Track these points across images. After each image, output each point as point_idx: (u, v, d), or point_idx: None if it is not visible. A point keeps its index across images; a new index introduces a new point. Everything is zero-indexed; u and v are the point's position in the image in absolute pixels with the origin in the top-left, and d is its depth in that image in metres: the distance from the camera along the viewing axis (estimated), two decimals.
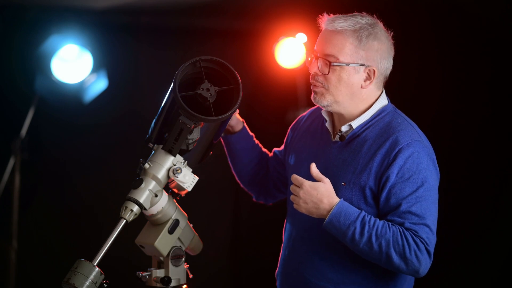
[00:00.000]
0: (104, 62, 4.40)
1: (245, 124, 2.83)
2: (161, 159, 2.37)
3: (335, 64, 2.43)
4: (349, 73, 2.44)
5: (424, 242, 2.34)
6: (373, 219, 2.36)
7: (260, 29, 4.69)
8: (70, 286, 2.19)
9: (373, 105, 2.51)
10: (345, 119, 2.52)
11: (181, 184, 2.38)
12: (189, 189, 2.40)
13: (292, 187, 2.41)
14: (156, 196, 2.36)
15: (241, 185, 2.94)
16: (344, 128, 2.51)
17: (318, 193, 2.37)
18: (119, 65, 4.58)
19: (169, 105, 2.36)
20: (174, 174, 2.36)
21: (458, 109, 4.19)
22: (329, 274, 2.49)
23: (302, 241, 2.58)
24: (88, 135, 4.57)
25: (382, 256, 2.34)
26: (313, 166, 2.41)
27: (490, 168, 4.12)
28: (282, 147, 2.85)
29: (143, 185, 2.34)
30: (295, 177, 2.40)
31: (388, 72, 2.52)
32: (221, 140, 2.82)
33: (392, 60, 2.52)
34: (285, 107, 4.89)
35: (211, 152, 2.57)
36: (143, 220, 2.47)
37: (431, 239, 2.36)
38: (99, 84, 4.47)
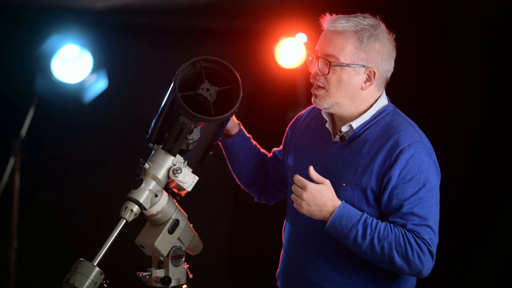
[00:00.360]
0: (104, 62, 4.40)
1: (242, 126, 2.82)
2: (161, 159, 2.37)
3: (335, 64, 2.43)
4: (349, 74, 2.44)
5: (426, 243, 2.34)
6: (375, 221, 2.36)
7: (260, 29, 4.69)
8: (70, 286, 2.19)
9: (373, 106, 2.50)
10: (345, 120, 2.51)
11: (181, 184, 2.37)
12: (189, 189, 2.40)
13: (294, 187, 2.41)
14: (156, 196, 2.36)
15: (242, 187, 2.94)
16: (344, 129, 2.51)
17: (323, 196, 2.36)
18: (119, 65, 4.58)
19: (169, 105, 2.36)
20: (174, 174, 2.35)
21: (458, 109, 4.20)
22: (331, 275, 2.49)
23: (303, 242, 2.57)
24: (88, 135, 4.57)
25: (384, 258, 2.34)
26: (312, 169, 2.40)
27: (490, 168, 4.12)
28: (281, 146, 2.85)
29: (143, 185, 2.34)
30: (298, 178, 2.39)
31: (389, 74, 2.52)
32: (219, 143, 2.82)
33: (393, 62, 2.51)
34: (285, 107, 4.89)
35: (211, 152, 2.57)
36: (143, 220, 2.47)
37: (434, 240, 2.36)
38: (99, 84, 4.47)
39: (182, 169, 2.36)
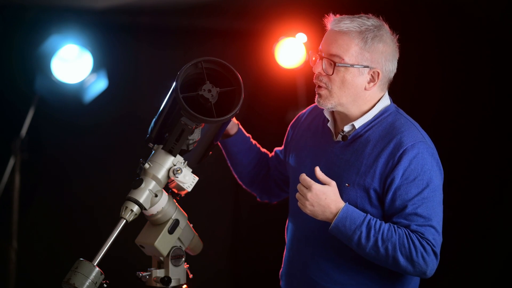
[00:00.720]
0: (104, 62, 4.39)
1: (240, 126, 2.82)
2: (161, 159, 2.37)
3: (339, 64, 2.42)
4: (353, 75, 2.44)
5: (430, 243, 2.34)
6: (378, 222, 2.36)
7: (260, 29, 4.69)
8: (70, 286, 2.19)
9: (376, 105, 2.50)
10: (347, 119, 2.51)
11: (181, 184, 2.37)
12: (189, 189, 2.40)
13: (299, 187, 2.40)
14: (156, 196, 2.36)
15: (243, 186, 2.94)
16: (346, 128, 2.51)
17: (327, 197, 2.36)
18: (119, 65, 4.58)
19: (170, 105, 2.35)
20: (174, 174, 2.35)
21: (458, 109, 4.20)
22: (335, 275, 2.49)
23: (306, 242, 2.57)
24: (88, 135, 4.57)
25: (388, 259, 2.34)
26: (318, 169, 2.40)
27: (490, 168, 4.12)
28: (283, 146, 2.85)
29: (143, 185, 2.34)
30: (304, 178, 2.38)
31: (392, 74, 2.52)
32: (218, 143, 2.82)
33: (396, 63, 2.51)
34: (285, 107, 4.89)
35: (210, 152, 2.57)
36: (143, 220, 2.47)
37: (437, 240, 2.36)
38: (99, 84, 4.47)
39: (182, 170, 2.36)
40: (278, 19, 4.55)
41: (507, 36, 4.02)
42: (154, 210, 2.38)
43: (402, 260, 2.33)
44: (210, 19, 4.72)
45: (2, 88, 4.41)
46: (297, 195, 2.41)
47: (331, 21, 2.48)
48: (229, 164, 2.89)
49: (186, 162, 2.39)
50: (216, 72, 2.35)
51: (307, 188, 2.37)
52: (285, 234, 2.73)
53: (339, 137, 2.52)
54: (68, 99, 4.42)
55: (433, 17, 4.23)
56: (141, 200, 2.33)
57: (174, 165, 2.37)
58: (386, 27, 2.49)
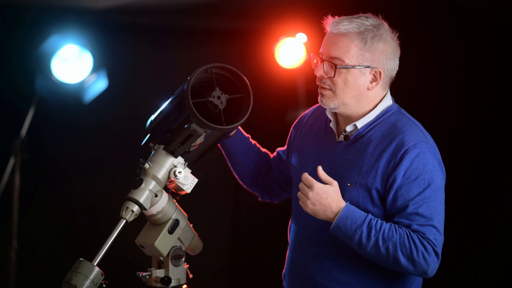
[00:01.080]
0: (104, 62, 4.39)
1: (239, 127, 2.82)
2: (161, 160, 2.37)
3: (340, 67, 2.43)
4: (355, 76, 2.44)
5: (431, 243, 2.34)
6: (379, 222, 2.36)
7: (260, 29, 4.69)
8: (70, 286, 2.19)
9: (378, 105, 2.50)
10: (350, 119, 2.52)
11: (181, 185, 2.38)
12: (188, 191, 2.40)
13: (301, 185, 2.41)
14: (156, 196, 2.36)
15: (244, 187, 2.94)
16: (348, 128, 2.51)
17: (328, 197, 2.36)
18: (119, 65, 4.58)
19: (177, 109, 2.34)
20: (175, 175, 2.36)
21: (458, 109, 4.20)
22: (337, 275, 2.49)
23: (308, 242, 2.57)
24: (88, 135, 4.56)
25: (389, 259, 2.34)
26: (320, 169, 2.40)
27: (490, 168, 4.12)
28: (285, 146, 2.85)
29: (143, 185, 2.34)
30: (306, 177, 2.39)
31: (394, 72, 2.52)
32: (218, 145, 2.82)
33: (398, 61, 2.51)
34: (285, 107, 4.89)
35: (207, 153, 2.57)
36: (143, 220, 2.47)
37: (439, 240, 2.36)
38: (99, 84, 4.47)
39: (183, 171, 2.36)
40: (278, 19, 4.55)
41: (507, 36, 4.02)
42: (154, 210, 2.38)
43: (403, 259, 2.33)
44: (210, 19, 4.72)
45: (2, 88, 4.41)
46: (299, 194, 2.41)
47: (330, 23, 2.48)
48: (229, 165, 2.89)
49: (187, 163, 2.39)
50: (224, 77, 2.34)
51: (309, 187, 2.38)
52: (288, 234, 2.73)
53: (341, 137, 2.52)
54: (68, 99, 4.42)
55: (433, 17, 4.23)
56: (141, 200, 2.33)
57: (175, 166, 2.37)
58: (385, 25, 2.49)
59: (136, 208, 2.32)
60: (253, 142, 2.87)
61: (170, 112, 2.40)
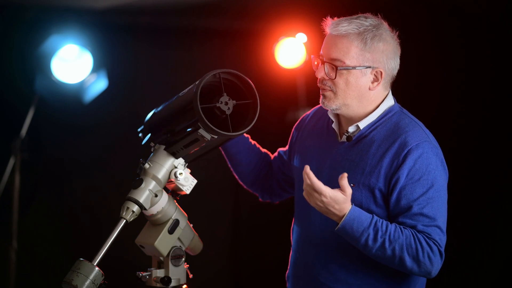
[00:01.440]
0: (104, 62, 4.39)
1: None
2: (162, 160, 2.37)
3: (341, 68, 2.42)
4: (356, 76, 2.44)
5: (437, 243, 2.34)
6: (385, 223, 2.35)
7: (260, 29, 4.69)
8: (71, 286, 2.19)
9: (380, 106, 2.50)
10: (352, 120, 2.51)
11: (181, 186, 2.38)
12: (188, 192, 2.40)
13: (308, 189, 2.33)
14: (156, 196, 2.36)
15: (245, 187, 2.93)
16: (351, 129, 2.51)
17: (336, 204, 2.32)
18: (119, 65, 4.58)
19: (183, 112, 2.33)
20: (176, 177, 2.36)
21: (458, 109, 4.20)
22: (341, 275, 2.49)
23: (312, 243, 2.56)
24: (88, 135, 4.56)
25: (395, 260, 2.34)
26: (344, 178, 2.31)
27: (490, 168, 4.12)
28: (287, 147, 2.84)
29: (143, 185, 2.34)
30: (315, 182, 2.31)
31: (395, 72, 2.52)
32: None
33: (398, 60, 2.51)
34: (285, 107, 4.89)
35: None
36: (143, 220, 2.47)
37: (443, 240, 2.37)
38: (99, 84, 4.47)
39: (184, 172, 2.37)
40: (278, 19, 4.55)
41: (507, 36, 4.02)
42: (154, 210, 2.38)
43: (408, 260, 2.33)
44: (210, 19, 4.72)
45: (2, 88, 4.41)
46: (304, 193, 2.37)
47: (329, 25, 2.47)
48: (229, 165, 2.88)
49: (187, 164, 2.39)
50: (230, 81, 2.33)
51: (318, 194, 2.31)
52: (291, 235, 2.72)
53: (344, 138, 2.52)
54: (68, 99, 4.42)
55: (433, 17, 4.23)
56: (141, 200, 2.33)
57: (175, 167, 2.37)
58: (385, 25, 2.49)
59: (136, 208, 2.32)
60: (253, 142, 2.87)
61: (174, 114, 2.40)
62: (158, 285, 2.42)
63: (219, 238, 4.99)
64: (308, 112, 2.81)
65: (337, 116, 2.58)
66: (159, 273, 2.43)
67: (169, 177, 2.38)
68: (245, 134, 2.84)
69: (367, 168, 2.43)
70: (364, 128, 2.49)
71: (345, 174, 2.32)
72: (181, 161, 2.39)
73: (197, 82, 2.28)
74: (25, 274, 4.40)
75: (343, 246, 2.45)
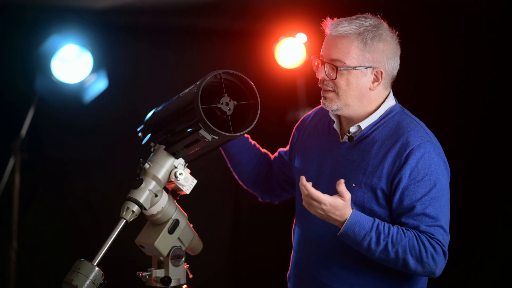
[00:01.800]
0: (104, 62, 4.39)
1: None
2: (162, 160, 2.37)
3: (341, 68, 2.43)
4: (357, 77, 2.44)
5: (440, 243, 2.35)
6: (387, 226, 2.35)
7: (260, 29, 4.69)
8: (71, 286, 2.19)
9: (381, 106, 2.51)
10: (353, 120, 2.52)
11: (180, 187, 2.38)
12: (188, 192, 2.40)
13: (308, 200, 2.33)
14: (156, 196, 2.36)
15: (245, 187, 2.93)
16: (352, 129, 2.51)
17: (337, 211, 2.33)
18: (119, 65, 4.58)
19: (183, 113, 2.33)
20: (176, 177, 2.36)
21: (458, 109, 4.19)
22: (343, 276, 2.49)
23: (313, 243, 2.56)
24: (88, 135, 4.57)
25: (398, 262, 2.34)
26: (342, 184, 2.31)
27: (490, 168, 4.12)
28: (288, 147, 2.84)
29: (143, 185, 2.34)
30: (313, 192, 2.31)
31: (396, 71, 2.52)
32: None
33: (398, 59, 2.51)
34: (285, 107, 4.89)
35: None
36: (143, 220, 2.47)
37: (446, 240, 2.37)
38: (99, 84, 4.47)
39: (184, 172, 2.37)
40: (278, 19, 4.55)
41: (507, 36, 4.02)
42: (154, 210, 2.38)
43: (412, 262, 2.33)
44: (210, 19, 4.72)
45: (2, 88, 4.41)
46: (303, 203, 2.36)
47: (329, 25, 2.47)
48: (229, 165, 2.88)
49: (187, 164, 2.39)
50: (231, 82, 2.33)
51: (318, 203, 2.32)
52: (292, 236, 2.72)
53: (345, 138, 2.52)
54: (68, 99, 4.42)
55: (433, 17, 4.23)
56: (141, 200, 2.33)
57: (175, 167, 2.37)
58: (384, 25, 2.49)
59: (136, 208, 2.32)
60: (253, 142, 2.87)
61: (174, 114, 2.39)
62: (158, 285, 2.42)
63: (219, 238, 4.99)
64: (309, 112, 2.81)
65: (339, 116, 2.58)
66: (159, 273, 2.43)
67: (169, 177, 2.38)
68: (245, 134, 2.84)
69: (369, 168, 2.43)
70: (365, 128, 2.49)
71: (342, 180, 2.33)
72: (181, 161, 2.39)
73: (198, 82, 2.28)
74: (25, 274, 4.40)
75: (345, 247, 2.44)
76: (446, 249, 2.37)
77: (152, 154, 2.42)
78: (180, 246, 2.45)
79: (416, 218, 2.36)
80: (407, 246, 2.32)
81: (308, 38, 4.38)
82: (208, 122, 2.22)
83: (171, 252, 2.43)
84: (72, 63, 4.25)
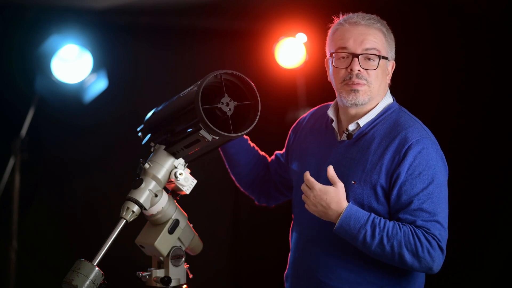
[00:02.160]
0: (104, 62, 4.40)
1: None
2: (162, 160, 2.37)
3: (381, 57, 2.45)
4: (384, 68, 2.49)
5: (436, 238, 2.35)
6: (382, 220, 2.36)
7: (260, 29, 4.69)
8: (71, 286, 2.19)
9: (379, 104, 2.52)
10: (355, 117, 2.52)
11: (180, 187, 2.38)
12: (188, 192, 2.40)
13: (303, 187, 2.42)
14: (156, 196, 2.36)
15: (241, 189, 2.93)
16: (351, 127, 2.52)
17: (328, 197, 2.37)
18: (119, 65, 4.58)
19: (183, 113, 2.33)
20: (176, 177, 2.36)
21: (458, 109, 4.20)
22: (342, 274, 2.49)
23: (312, 242, 2.56)
24: (88, 135, 4.57)
25: (394, 257, 2.34)
26: (331, 169, 2.40)
27: (490, 168, 4.12)
28: (284, 149, 2.84)
29: (143, 185, 2.34)
30: (308, 178, 2.40)
31: None
32: None
33: None
34: (285, 107, 4.89)
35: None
36: (143, 220, 2.47)
37: (443, 235, 2.37)
38: (99, 84, 4.47)
39: (184, 172, 2.37)
40: (278, 19, 4.55)
41: (507, 36, 4.02)
42: (154, 210, 2.38)
43: (408, 256, 2.33)
44: (210, 19, 4.72)
45: (2, 88, 4.41)
46: (303, 196, 2.42)
47: (352, 18, 2.48)
48: (227, 166, 2.88)
49: (187, 164, 2.39)
50: (231, 82, 2.33)
51: (310, 189, 2.39)
52: (290, 237, 2.72)
53: (344, 136, 2.53)
54: (68, 99, 4.42)
55: (433, 17, 4.23)
56: (141, 200, 2.33)
57: (175, 167, 2.37)
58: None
59: (136, 208, 2.32)
60: (252, 144, 2.87)
61: (175, 114, 2.39)
62: (158, 285, 2.42)
63: (219, 238, 5.00)
64: (304, 115, 2.82)
65: (337, 115, 2.58)
66: (159, 273, 2.43)
67: (169, 177, 2.38)
68: (245, 135, 2.84)
69: (368, 165, 2.44)
70: (364, 126, 2.50)
71: (331, 166, 2.40)
72: (181, 161, 2.39)
73: (199, 82, 2.28)
74: (25, 274, 4.40)
75: (343, 245, 2.45)
76: (443, 245, 2.36)
77: (152, 154, 2.42)
78: (180, 246, 2.46)
79: (413, 213, 2.36)
80: (402, 241, 2.33)
81: (308, 38, 4.38)
82: (208, 123, 2.22)
83: (171, 252, 2.43)
84: (72, 63, 4.25)
